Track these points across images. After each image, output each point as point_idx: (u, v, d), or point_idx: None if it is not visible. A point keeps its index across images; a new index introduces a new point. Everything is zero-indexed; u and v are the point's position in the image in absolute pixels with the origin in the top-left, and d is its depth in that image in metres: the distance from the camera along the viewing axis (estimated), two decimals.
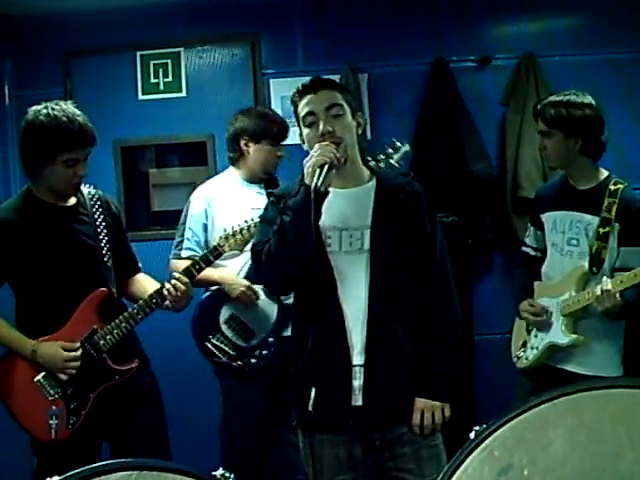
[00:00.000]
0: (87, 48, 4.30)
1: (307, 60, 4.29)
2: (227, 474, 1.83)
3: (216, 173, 3.90)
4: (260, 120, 3.55)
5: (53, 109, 2.63)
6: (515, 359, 3.07)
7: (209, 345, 3.44)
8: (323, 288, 2.38)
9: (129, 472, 1.71)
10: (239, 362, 3.43)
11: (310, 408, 2.35)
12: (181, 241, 3.51)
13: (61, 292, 2.71)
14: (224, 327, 3.45)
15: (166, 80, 4.34)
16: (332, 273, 2.39)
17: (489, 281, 4.29)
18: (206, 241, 3.46)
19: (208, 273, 3.21)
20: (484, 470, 1.63)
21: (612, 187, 2.83)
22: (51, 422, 2.63)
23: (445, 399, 2.45)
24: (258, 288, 3.37)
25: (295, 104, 2.45)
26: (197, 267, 2.90)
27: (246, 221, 3.07)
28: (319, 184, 2.24)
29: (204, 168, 4.25)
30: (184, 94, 4.35)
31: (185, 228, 3.51)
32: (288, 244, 2.30)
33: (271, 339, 3.43)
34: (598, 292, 2.66)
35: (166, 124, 4.31)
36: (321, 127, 2.36)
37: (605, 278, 2.69)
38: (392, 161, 3.35)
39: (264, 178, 3.57)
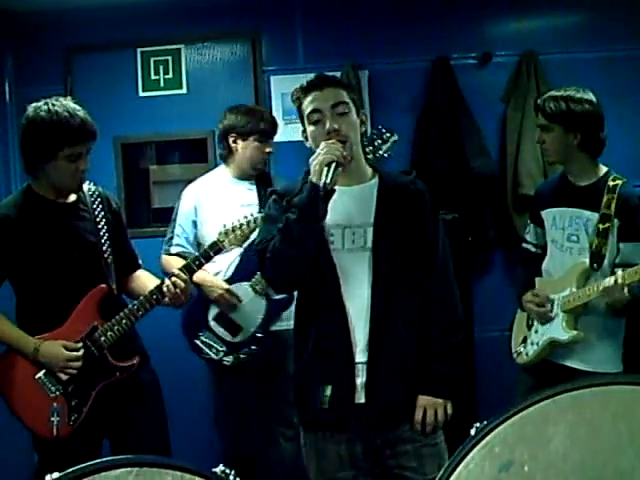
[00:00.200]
0: (87, 45, 4.29)
1: (308, 57, 4.28)
2: (227, 470, 1.82)
3: None
4: (248, 117, 3.54)
5: (54, 105, 2.63)
6: (515, 355, 3.07)
7: (198, 342, 3.46)
8: (326, 286, 2.38)
9: (129, 469, 1.71)
10: (229, 358, 3.44)
11: (326, 405, 2.35)
12: (171, 237, 3.55)
13: (61, 289, 2.71)
14: (213, 324, 3.47)
15: (167, 77, 4.34)
16: (335, 271, 2.38)
17: (490, 278, 4.29)
18: (195, 237, 3.52)
19: None
20: (485, 466, 1.63)
21: (611, 183, 2.82)
22: (52, 419, 2.64)
23: (448, 397, 2.44)
24: (246, 285, 3.40)
25: (299, 101, 2.43)
26: (197, 263, 2.90)
27: (246, 216, 3.06)
28: (327, 182, 2.24)
29: (204, 165, 4.24)
30: (184, 91, 4.35)
31: (175, 225, 3.56)
32: (293, 242, 2.29)
33: (259, 334, 3.44)
34: (607, 284, 2.64)
35: (167, 121, 4.31)
36: (327, 125, 2.35)
37: (618, 270, 2.66)
38: (381, 152, 3.33)
39: (254, 174, 3.57)
